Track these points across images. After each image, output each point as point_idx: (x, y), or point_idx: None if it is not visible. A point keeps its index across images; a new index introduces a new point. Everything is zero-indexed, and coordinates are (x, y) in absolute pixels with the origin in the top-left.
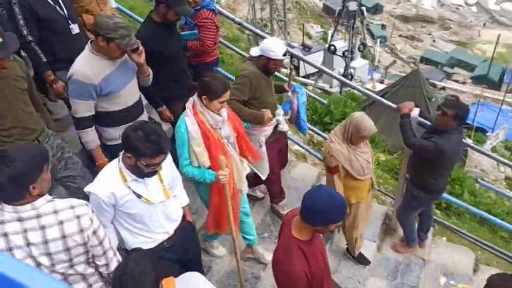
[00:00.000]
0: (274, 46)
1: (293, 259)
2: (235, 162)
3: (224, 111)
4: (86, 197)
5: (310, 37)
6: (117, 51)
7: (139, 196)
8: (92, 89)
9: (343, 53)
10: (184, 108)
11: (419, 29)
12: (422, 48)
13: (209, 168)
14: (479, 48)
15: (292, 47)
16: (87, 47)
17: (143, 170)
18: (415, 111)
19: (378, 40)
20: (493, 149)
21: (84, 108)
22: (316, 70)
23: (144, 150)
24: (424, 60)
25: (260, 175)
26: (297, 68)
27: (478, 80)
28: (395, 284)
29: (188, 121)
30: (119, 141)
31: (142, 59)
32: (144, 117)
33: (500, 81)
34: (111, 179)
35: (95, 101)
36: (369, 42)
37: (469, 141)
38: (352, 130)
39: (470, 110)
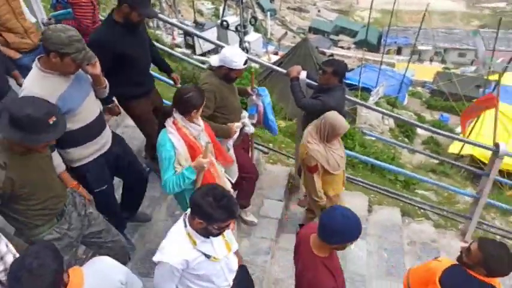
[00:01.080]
0: (235, 57)
1: (322, 278)
2: (219, 171)
3: (200, 120)
4: (111, 249)
5: (202, 14)
6: (72, 67)
7: (208, 256)
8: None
9: (236, 28)
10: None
11: (305, 0)
12: (309, 18)
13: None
14: (359, 15)
15: (186, 25)
16: (35, 65)
17: (213, 232)
18: (303, 74)
19: (268, 13)
20: (377, 104)
21: None
22: (212, 47)
23: (217, 216)
24: (312, 30)
25: (230, 179)
26: (192, 47)
27: (360, 45)
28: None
29: (173, 138)
30: (86, 161)
31: (97, 70)
32: (107, 131)
33: (378, 43)
34: (182, 245)
35: None
36: (260, 15)
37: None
38: (329, 129)
39: (346, 65)
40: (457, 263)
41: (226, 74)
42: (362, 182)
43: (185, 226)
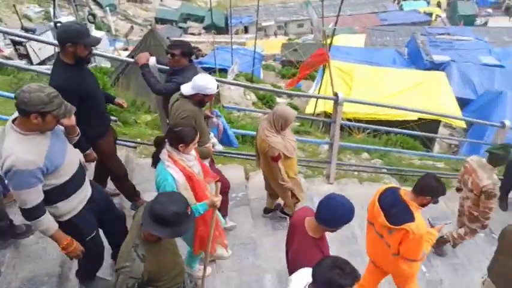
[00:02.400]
0: (209, 83)
1: (315, 258)
2: (210, 190)
3: (193, 150)
4: None
5: (30, 19)
6: (53, 123)
7: None
8: (39, 172)
9: None
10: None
11: None
12: (153, 9)
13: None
14: (202, 0)
15: (11, 34)
16: (12, 131)
17: None
18: (152, 60)
19: (108, 9)
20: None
21: (35, 196)
22: (52, 54)
23: (345, 283)
24: (159, 20)
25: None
26: (26, 56)
27: (209, 29)
28: None
29: (172, 172)
30: (75, 212)
31: (73, 121)
32: (87, 179)
33: (226, 25)
34: None
35: (43, 183)
36: (99, 12)
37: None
38: (281, 120)
39: (191, 45)
40: (394, 185)
41: (200, 100)
42: (237, 154)
43: None
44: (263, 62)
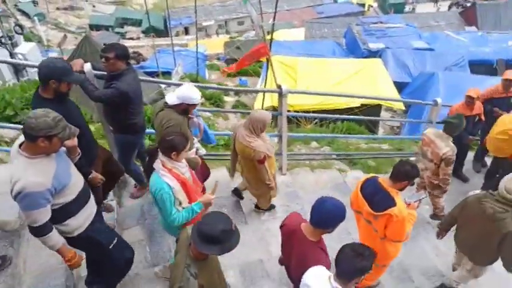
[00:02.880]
0: (193, 93)
1: (321, 258)
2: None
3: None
4: None
5: None
6: (58, 145)
7: None
8: (48, 193)
9: (0, 41)
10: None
11: None
12: (86, 16)
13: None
14: (137, 3)
15: None
16: (20, 156)
17: None
18: (87, 66)
19: (36, 18)
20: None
21: (44, 215)
22: None
23: (369, 264)
24: (94, 27)
25: None
26: None
27: (148, 32)
28: (148, 223)
29: (167, 180)
30: (85, 226)
31: (75, 141)
32: (91, 195)
33: (166, 27)
34: None
35: (51, 203)
36: (26, 23)
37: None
38: (259, 124)
39: (126, 47)
40: (372, 175)
41: (185, 109)
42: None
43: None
44: (207, 62)
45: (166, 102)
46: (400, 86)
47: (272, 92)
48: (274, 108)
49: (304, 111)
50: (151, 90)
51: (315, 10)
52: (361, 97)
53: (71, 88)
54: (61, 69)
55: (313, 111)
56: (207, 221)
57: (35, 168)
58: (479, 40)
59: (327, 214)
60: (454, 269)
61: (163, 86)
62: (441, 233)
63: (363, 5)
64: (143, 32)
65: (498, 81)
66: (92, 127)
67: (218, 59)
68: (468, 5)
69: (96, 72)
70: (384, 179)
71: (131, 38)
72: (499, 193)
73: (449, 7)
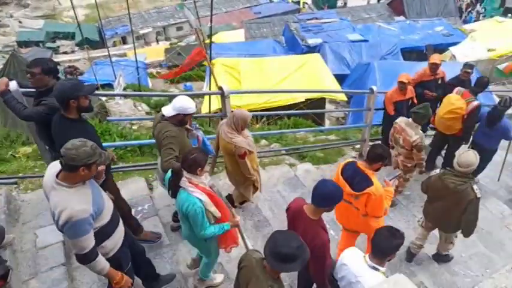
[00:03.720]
0: (188, 103)
1: (322, 235)
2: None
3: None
4: None
5: None
6: (95, 171)
7: None
8: (91, 218)
9: None
10: None
11: None
12: (12, 33)
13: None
14: (68, 16)
15: None
16: (59, 186)
17: None
18: (13, 85)
19: None
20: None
21: (90, 240)
22: None
23: (401, 242)
24: (23, 44)
25: None
26: None
27: (82, 45)
28: None
29: (197, 195)
30: (117, 248)
31: (103, 166)
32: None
33: (101, 38)
34: None
35: (93, 227)
36: None
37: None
38: (241, 122)
39: (54, 61)
40: (355, 160)
41: (181, 119)
42: (134, 166)
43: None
44: (149, 70)
45: (163, 115)
46: (340, 78)
47: (214, 94)
48: (221, 111)
49: (251, 111)
50: (92, 103)
51: (252, 11)
52: (303, 91)
53: (90, 101)
54: (72, 87)
55: (260, 110)
56: (280, 242)
57: (77, 196)
58: (408, 28)
59: (327, 195)
60: (415, 244)
61: (104, 98)
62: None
63: (298, 3)
64: (77, 44)
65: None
66: (29, 149)
67: (160, 66)
68: None
69: (23, 90)
70: (361, 162)
71: (65, 52)
72: (455, 168)
73: None
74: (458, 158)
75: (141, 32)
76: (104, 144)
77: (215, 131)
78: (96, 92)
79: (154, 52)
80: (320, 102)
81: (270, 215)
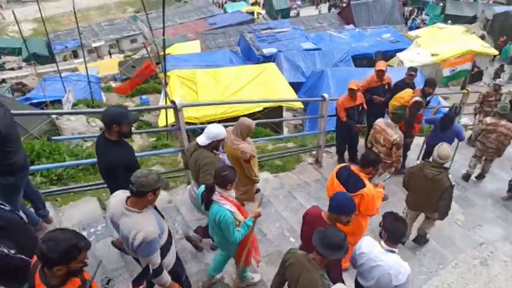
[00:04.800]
0: (220, 131)
1: None
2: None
3: None
4: None
5: None
6: (158, 196)
7: None
8: (158, 238)
9: None
10: None
11: None
12: None
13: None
14: (13, 30)
15: None
16: (130, 212)
17: None
18: None
19: None
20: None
21: (158, 257)
22: None
23: (406, 227)
24: None
25: None
26: None
27: (29, 60)
28: None
29: (227, 207)
30: (173, 263)
31: None
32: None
33: (51, 53)
34: None
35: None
36: None
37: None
38: (246, 130)
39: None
40: (347, 164)
41: (215, 145)
42: (85, 186)
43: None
44: (102, 84)
45: (197, 143)
46: (296, 86)
47: (167, 108)
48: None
49: (209, 122)
50: (41, 121)
51: (207, 22)
52: (259, 101)
53: (131, 128)
54: (118, 114)
55: (219, 121)
56: (329, 234)
57: (146, 219)
58: (358, 36)
59: (342, 206)
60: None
61: (54, 115)
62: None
63: (252, 13)
64: (24, 60)
65: None
66: None
67: (114, 79)
68: (344, 5)
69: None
70: (354, 166)
71: (12, 69)
72: (434, 160)
73: (329, 9)
74: (438, 152)
75: (93, 45)
76: (53, 165)
77: (172, 144)
78: (45, 110)
79: (108, 65)
80: (277, 111)
81: None
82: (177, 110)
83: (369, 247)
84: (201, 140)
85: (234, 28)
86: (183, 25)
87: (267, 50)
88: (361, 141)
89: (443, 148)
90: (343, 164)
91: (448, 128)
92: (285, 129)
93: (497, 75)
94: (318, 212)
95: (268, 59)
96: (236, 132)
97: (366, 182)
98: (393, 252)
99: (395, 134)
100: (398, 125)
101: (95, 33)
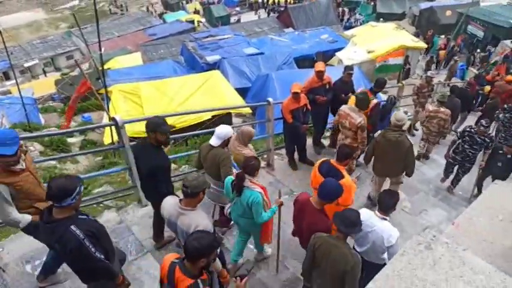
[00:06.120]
0: (228, 130)
1: (325, 220)
2: None
3: None
4: None
5: None
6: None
7: None
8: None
9: None
10: None
11: None
12: None
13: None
14: None
15: None
16: (185, 211)
17: None
18: None
19: None
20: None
21: None
22: None
23: (396, 200)
24: None
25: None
26: None
27: None
28: None
29: (258, 190)
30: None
31: None
32: None
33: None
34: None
35: None
36: None
37: None
38: (247, 137)
39: None
40: (327, 159)
41: (226, 143)
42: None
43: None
44: (40, 106)
45: (211, 144)
46: (242, 91)
47: (107, 126)
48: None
49: None
50: None
51: (146, 33)
52: (202, 111)
53: (168, 137)
54: (153, 123)
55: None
56: (347, 214)
57: (201, 214)
58: (298, 39)
59: (330, 191)
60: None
61: None
62: (366, 163)
63: (193, 22)
64: None
65: None
66: None
67: (52, 99)
68: (282, 9)
69: None
70: (333, 160)
71: None
72: (393, 124)
73: (268, 13)
74: (395, 116)
75: (26, 65)
76: None
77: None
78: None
79: (43, 85)
80: (226, 117)
81: None
82: (118, 127)
83: (366, 216)
84: (214, 141)
85: (175, 38)
86: (121, 38)
87: (211, 58)
88: (309, 140)
89: (398, 113)
90: (324, 159)
91: (385, 117)
92: None
93: (428, 67)
94: (306, 197)
95: (212, 66)
96: (239, 139)
97: (345, 173)
98: (385, 219)
99: (359, 118)
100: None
101: (27, 52)
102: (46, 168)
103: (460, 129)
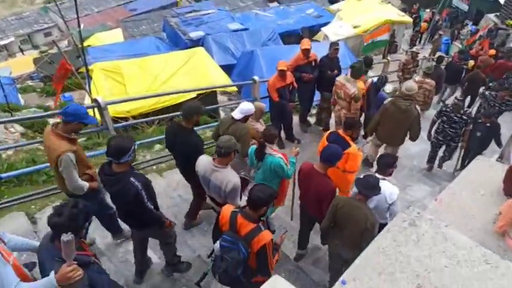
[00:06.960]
0: (251, 106)
1: (331, 184)
2: None
3: None
4: None
5: None
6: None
7: None
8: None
9: None
10: None
11: None
12: None
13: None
14: None
15: None
16: (219, 168)
17: None
18: None
19: None
20: None
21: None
22: None
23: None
24: None
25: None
26: None
27: None
28: None
29: (279, 155)
30: None
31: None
32: None
33: None
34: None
35: None
36: None
37: None
38: (259, 113)
39: None
40: (334, 130)
41: (247, 119)
42: (12, 201)
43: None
44: (18, 86)
45: (233, 117)
46: (227, 68)
47: (89, 108)
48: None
49: (143, 115)
50: None
51: (127, 8)
52: (187, 91)
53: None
54: (199, 107)
55: (153, 112)
56: (369, 179)
57: (232, 172)
58: (283, 14)
59: (332, 154)
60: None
61: None
62: (369, 134)
63: None
64: None
65: None
66: None
67: (31, 78)
68: None
69: None
70: (341, 130)
71: None
72: (403, 93)
73: None
74: (405, 86)
75: (1, 42)
76: None
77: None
78: None
79: (21, 64)
80: (212, 96)
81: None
82: (101, 109)
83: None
84: (236, 115)
85: (157, 13)
86: (101, 13)
87: (194, 34)
88: (295, 118)
89: (408, 82)
90: (331, 130)
91: (375, 95)
92: (222, 114)
93: (413, 42)
94: (310, 165)
95: (196, 43)
96: (252, 115)
97: (351, 142)
98: (385, 179)
99: (353, 88)
100: (361, 105)
101: (1, 29)
102: (28, 150)
103: (448, 102)
